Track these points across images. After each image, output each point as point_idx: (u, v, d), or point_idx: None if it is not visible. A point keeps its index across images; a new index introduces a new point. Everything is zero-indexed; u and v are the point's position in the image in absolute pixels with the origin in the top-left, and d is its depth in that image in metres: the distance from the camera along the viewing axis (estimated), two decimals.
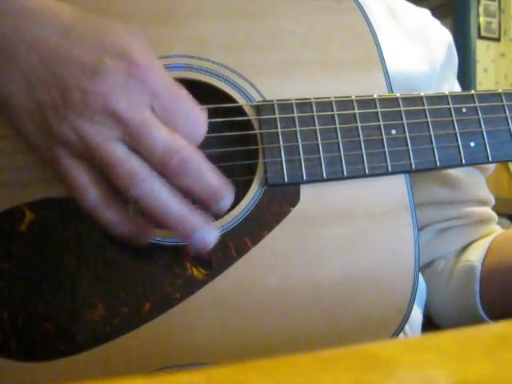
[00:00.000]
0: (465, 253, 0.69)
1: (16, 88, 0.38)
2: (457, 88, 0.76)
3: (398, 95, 0.52)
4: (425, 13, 0.78)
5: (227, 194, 0.41)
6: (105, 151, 0.37)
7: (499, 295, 0.63)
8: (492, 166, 0.73)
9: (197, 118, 0.40)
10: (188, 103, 0.40)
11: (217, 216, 0.44)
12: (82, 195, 0.40)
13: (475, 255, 0.67)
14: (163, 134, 0.38)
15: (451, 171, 0.69)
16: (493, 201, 0.72)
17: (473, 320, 0.65)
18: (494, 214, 0.72)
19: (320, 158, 0.49)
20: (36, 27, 0.38)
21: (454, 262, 0.69)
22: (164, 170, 0.38)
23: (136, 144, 0.38)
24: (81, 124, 0.37)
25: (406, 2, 0.77)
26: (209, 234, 0.41)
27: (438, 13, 0.79)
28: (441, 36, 0.75)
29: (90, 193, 0.39)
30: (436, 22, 0.77)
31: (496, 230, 0.71)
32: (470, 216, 0.70)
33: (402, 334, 0.62)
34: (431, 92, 0.68)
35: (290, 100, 0.50)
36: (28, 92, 0.38)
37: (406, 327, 0.64)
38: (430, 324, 0.70)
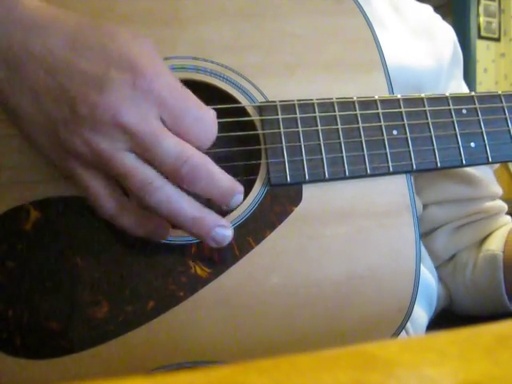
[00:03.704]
0: (485, 243, 0.70)
1: (25, 101, 0.38)
2: (463, 85, 0.77)
3: (399, 96, 0.52)
4: (427, 8, 0.78)
5: (237, 193, 0.42)
6: (116, 162, 0.38)
7: None
8: None
9: (205, 120, 0.40)
10: (195, 107, 0.40)
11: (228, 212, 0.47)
12: (99, 204, 0.41)
13: (495, 244, 0.68)
14: (172, 143, 0.38)
15: (469, 169, 0.71)
16: (501, 192, 0.74)
17: (498, 309, 0.67)
18: (504, 205, 0.74)
19: (322, 158, 0.49)
20: (41, 39, 0.38)
21: (476, 252, 0.71)
22: (175, 177, 0.39)
23: (146, 154, 0.39)
24: (91, 137, 0.38)
25: None
26: (223, 231, 0.42)
27: (437, 13, 0.79)
28: (445, 33, 0.75)
29: (107, 202, 0.40)
30: (438, 18, 0.77)
31: (508, 220, 0.73)
32: (488, 210, 0.72)
33: (405, 335, 0.62)
34: (439, 89, 0.68)
35: (292, 101, 0.50)
36: (37, 106, 0.38)
37: (410, 328, 0.64)
38: (434, 325, 0.71)
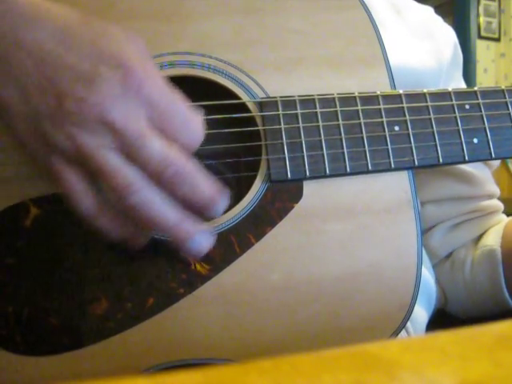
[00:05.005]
0: (481, 240, 0.71)
1: (12, 94, 0.37)
2: (463, 87, 0.77)
3: (401, 92, 0.52)
4: (428, 10, 0.78)
5: (220, 201, 0.41)
6: (99, 160, 0.37)
7: None
8: (497, 162, 0.75)
9: (193, 124, 0.40)
10: (183, 110, 0.39)
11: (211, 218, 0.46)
12: (77, 202, 0.39)
13: (492, 240, 0.68)
14: (158, 145, 0.38)
15: (466, 168, 0.71)
16: (498, 192, 0.75)
17: (498, 305, 0.66)
18: (500, 204, 0.74)
19: (323, 154, 0.49)
20: (32, 32, 0.37)
21: (473, 249, 0.71)
22: (158, 180, 0.38)
23: (131, 154, 0.38)
24: (76, 132, 0.37)
25: None
26: (203, 239, 0.41)
27: (437, 13, 0.79)
28: (446, 34, 0.75)
29: (85, 200, 0.39)
30: (439, 20, 0.77)
31: (503, 218, 0.74)
32: (484, 209, 0.72)
33: (405, 334, 0.62)
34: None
35: (293, 96, 0.50)
36: (24, 98, 0.37)
37: (410, 327, 0.64)
38: (434, 324, 0.70)
